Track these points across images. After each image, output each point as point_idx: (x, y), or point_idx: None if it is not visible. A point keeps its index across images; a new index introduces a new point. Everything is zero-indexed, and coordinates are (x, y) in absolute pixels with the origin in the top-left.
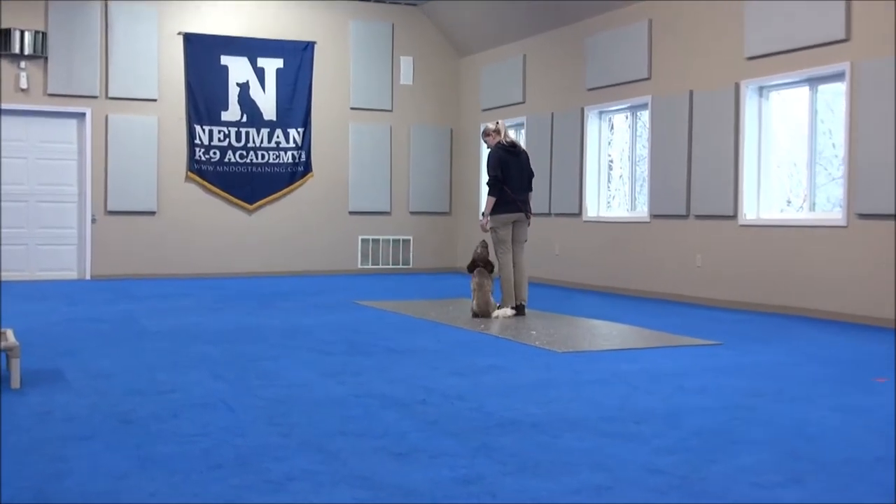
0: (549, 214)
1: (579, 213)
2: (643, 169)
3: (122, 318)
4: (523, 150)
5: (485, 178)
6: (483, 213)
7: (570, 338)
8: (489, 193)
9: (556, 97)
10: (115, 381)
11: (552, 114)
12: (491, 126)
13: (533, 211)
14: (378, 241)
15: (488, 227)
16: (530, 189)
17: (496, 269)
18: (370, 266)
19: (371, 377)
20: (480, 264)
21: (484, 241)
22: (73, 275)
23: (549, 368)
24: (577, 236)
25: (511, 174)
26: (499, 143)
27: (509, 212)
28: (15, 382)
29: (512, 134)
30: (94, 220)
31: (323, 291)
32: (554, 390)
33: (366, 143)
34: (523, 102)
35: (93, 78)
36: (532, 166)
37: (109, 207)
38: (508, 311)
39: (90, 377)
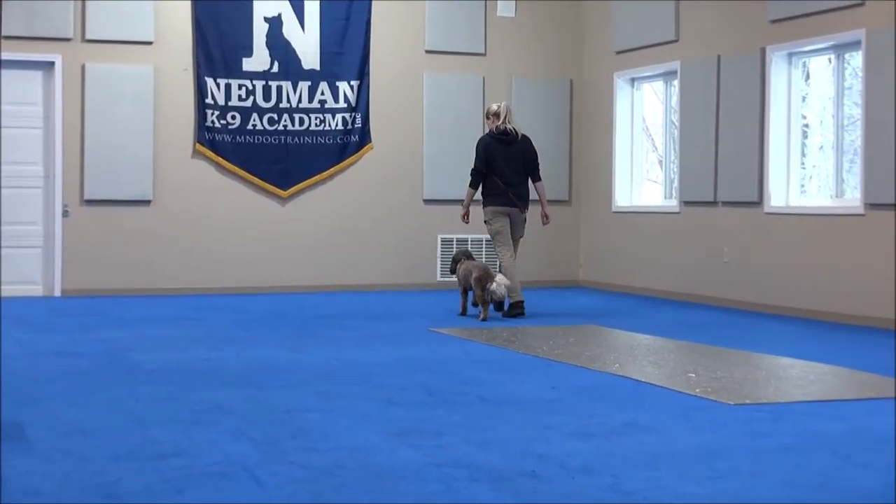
0: (714, 203)
1: (759, 203)
2: (854, 136)
3: (105, 351)
4: (522, 137)
5: (620, 151)
6: (463, 205)
7: (747, 383)
8: (469, 185)
9: (724, 33)
10: (94, 441)
11: (718, 57)
12: (494, 108)
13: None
14: (465, 241)
15: (468, 218)
16: (537, 178)
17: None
18: (454, 278)
19: (457, 438)
20: (463, 258)
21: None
22: (36, 290)
23: (716, 428)
24: (757, 235)
25: (499, 164)
26: (492, 130)
27: (501, 204)
28: None
29: (512, 121)
30: (65, 213)
31: (388, 314)
32: (723, 460)
33: (448, 101)
34: (676, 41)
35: (64, 13)
36: (537, 148)
37: (87, 195)
38: (505, 281)
39: (60, 435)
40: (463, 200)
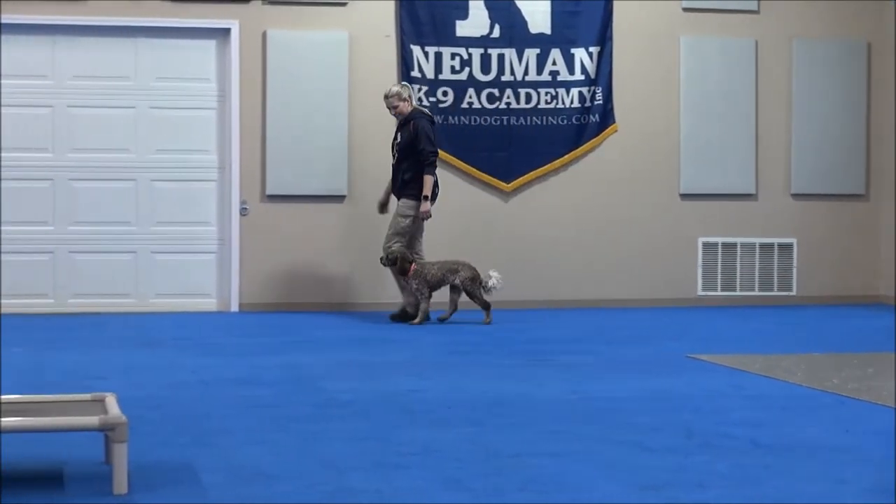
0: None
1: None
2: None
3: (292, 379)
4: None
5: None
6: (425, 196)
7: None
8: (428, 173)
9: None
10: (279, 488)
11: None
12: (405, 91)
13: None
14: (734, 246)
15: (428, 214)
16: None
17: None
18: (719, 293)
19: (723, 492)
20: (411, 259)
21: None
22: (209, 304)
23: None
24: None
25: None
26: (418, 111)
27: (434, 196)
28: (120, 484)
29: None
30: (244, 211)
31: (636, 337)
32: None
33: (711, 70)
34: None
35: None
36: None
37: (270, 190)
38: (498, 275)
39: (239, 479)
40: (419, 194)
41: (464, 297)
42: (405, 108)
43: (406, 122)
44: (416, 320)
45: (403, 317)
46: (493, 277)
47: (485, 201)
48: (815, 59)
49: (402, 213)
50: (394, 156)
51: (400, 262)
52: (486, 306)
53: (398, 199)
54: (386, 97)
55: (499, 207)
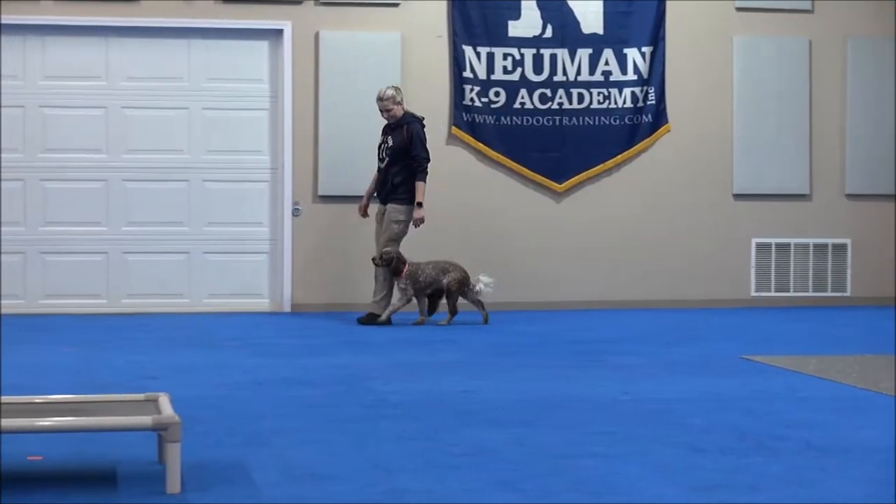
0: None
1: None
2: None
3: (343, 379)
4: None
5: None
6: (419, 203)
7: None
8: (421, 179)
9: None
10: (331, 488)
11: None
12: (398, 95)
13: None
14: (787, 246)
15: (422, 220)
16: None
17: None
18: (773, 293)
19: (777, 494)
20: (405, 260)
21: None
22: (262, 305)
23: None
24: None
25: None
26: (411, 115)
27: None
28: (173, 483)
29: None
30: (296, 212)
31: (688, 338)
32: None
33: (764, 70)
34: None
35: None
36: None
37: (322, 190)
38: (491, 280)
39: (291, 479)
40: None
41: (482, 298)
42: (398, 111)
43: (399, 126)
44: (382, 318)
45: (371, 319)
46: (482, 282)
47: (537, 201)
48: (869, 58)
49: (395, 219)
50: (381, 159)
51: (395, 263)
52: (479, 305)
53: (385, 203)
54: (380, 99)
55: (551, 208)
